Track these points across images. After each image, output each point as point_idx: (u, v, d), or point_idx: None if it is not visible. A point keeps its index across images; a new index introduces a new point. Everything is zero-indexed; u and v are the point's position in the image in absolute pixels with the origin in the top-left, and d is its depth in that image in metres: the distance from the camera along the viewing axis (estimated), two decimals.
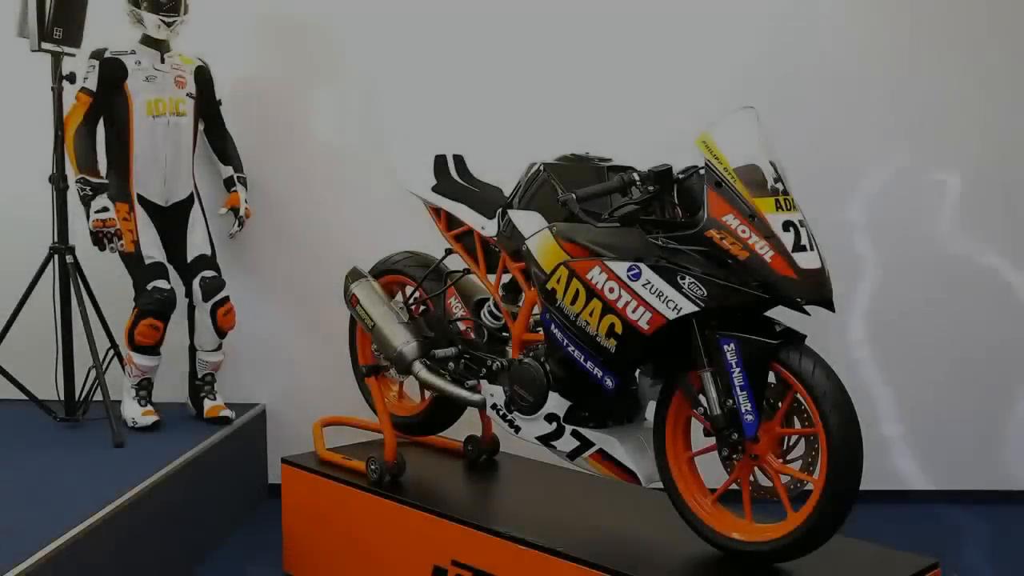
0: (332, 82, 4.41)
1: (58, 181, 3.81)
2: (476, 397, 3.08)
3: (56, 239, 3.82)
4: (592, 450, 2.74)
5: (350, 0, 4.34)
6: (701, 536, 2.55)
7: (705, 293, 2.37)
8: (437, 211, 3.24)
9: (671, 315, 2.40)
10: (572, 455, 2.80)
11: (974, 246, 4.34)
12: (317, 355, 4.39)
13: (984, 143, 4.30)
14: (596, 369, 2.58)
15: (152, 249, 3.87)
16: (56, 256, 3.81)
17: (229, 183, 4.18)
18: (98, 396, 3.75)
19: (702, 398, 2.48)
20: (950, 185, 4.33)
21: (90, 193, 3.69)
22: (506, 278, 3.08)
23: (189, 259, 3.99)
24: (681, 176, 2.58)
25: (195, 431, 3.86)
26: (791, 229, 2.33)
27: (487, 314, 3.15)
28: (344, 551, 3.32)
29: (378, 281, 3.44)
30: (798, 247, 2.32)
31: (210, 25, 4.18)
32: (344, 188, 4.37)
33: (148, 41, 3.90)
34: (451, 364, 3.18)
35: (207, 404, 4.05)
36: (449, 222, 3.22)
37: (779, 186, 2.39)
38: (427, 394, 3.46)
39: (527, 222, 2.83)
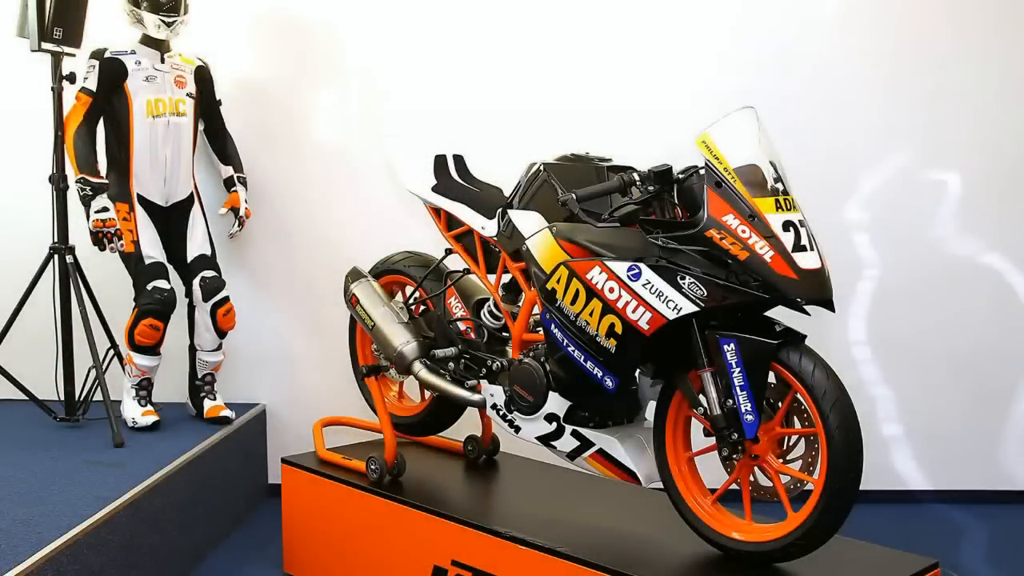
0: (332, 82, 4.41)
1: (58, 181, 3.81)
2: (476, 397, 3.08)
3: (56, 239, 3.82)
4: (592, 450, 2.74)
5: (350, 0, 4.34)
6: (701, 536, 2.55)
7: (705, 293, 2.37)
8: (437, 211, 3.24)
9: (671, 315, 2.40)
10: (572, 455, 2.80)
11: (974, 246, 4.33)
12: (317, 355, 4.40)
13: (984, 143, 4.30)
14: (596, 369, 2.58)
15: (152, 249, 3.87)
16: (56, 256, 3.81)
17: (229, 183, 4.19)
18: (98, 396, 3.75)
19: (702, 398, 2.49)
20: (950, 185, 4.33)
21: (90, 193, 3.69)
22: (506, 278, 3.08)
23: (189, 259, 3.99)
24: (681, 176, 2.57)
25: (195, 431, 3.86)
26: (791, 229, 2.33)
27: (487, 314, 3.15)
28: (344, 551, 3.32)
29: (378, 281, 3.44)
30: (798, 247, 2.32)
31: (210, 25, 4.19)
32: (344, 188, 4.37)
33: (148, 41, 3.90)
34: (451, 364, 3.18)
35: (207, 404, 4.05)
36: (449, 222, 3.22)
37: (779, 186, 2.39)
38: (427, 394, 3.46)
39: (527, 222, 2.83)
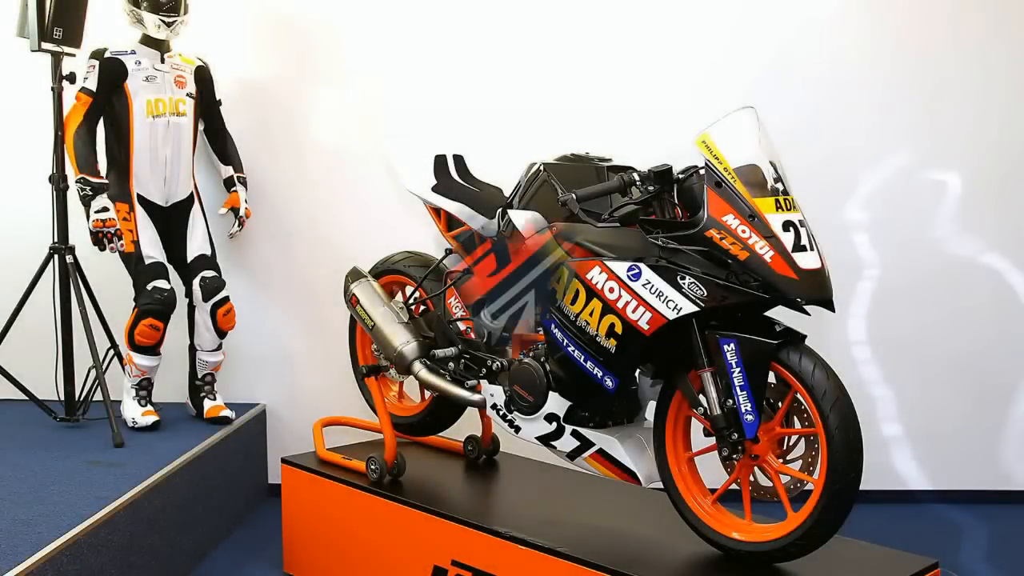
0: (332, 82, 4.41)
1: (58, 181, 3.81)
2: (476, 397, 3.08)
3: (56, 239, 3.82)
4: (592, 450, 2.74)
5: (350, 0, 4.34)
6: (701, 536, 2.55)
7: (705, 293, 2.37)
8: (437, 211, 3.24)
9: (671, 315, 2.40)
10: (572, 455, 2.80)
11: (974, 246, 4.33)
12: (317, 355, 4.40)
13: (984, 143, 4.30)
14: (596, 369, 2.58)
15: (152, 249, 3.87)
16: (56, 256, 3.81)
17: (229, 183, 4.19)
18: (98, 396, 3.75)
19: (702, 398, 2.49)
20: (950, 185, 4.33)
21: (90, 193, 3.69)
22: None
23: (189, 259, 3.99)
24: (681, 176, 2.58)
25: (195, 431, 3.86)
26: (791, 229, 2.33)
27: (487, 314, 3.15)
28: (344, 551, 3.32)
29: (378, 281, 3.44)
30: (798, 247, 2.32)
31: (210, 25, 4.19)
32: (344, 188, 4.37)
33: (148, 41, 3.90)
34: (451, 364, 3.18)
35: (207, 404, 4.05)
36: (449, 222, 3.22)
37: (779, 186, 2.39)
38: (427, 394, 3.46)
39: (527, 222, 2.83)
